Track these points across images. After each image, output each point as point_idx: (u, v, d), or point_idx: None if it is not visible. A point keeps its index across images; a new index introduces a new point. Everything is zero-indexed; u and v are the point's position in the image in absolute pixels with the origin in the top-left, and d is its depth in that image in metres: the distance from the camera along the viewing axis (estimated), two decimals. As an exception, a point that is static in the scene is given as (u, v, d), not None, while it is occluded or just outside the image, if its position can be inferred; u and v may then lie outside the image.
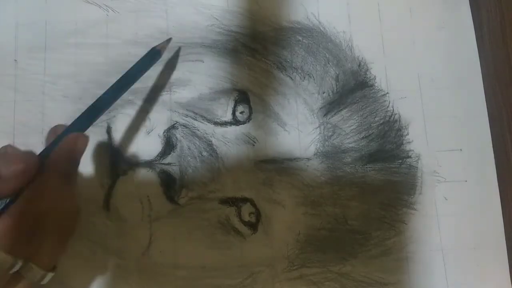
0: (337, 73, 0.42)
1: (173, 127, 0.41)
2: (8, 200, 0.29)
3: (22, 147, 0.32)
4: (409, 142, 0.41)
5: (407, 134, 0.42)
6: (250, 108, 0.41)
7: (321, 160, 0.41)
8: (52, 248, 0.31)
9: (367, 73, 0.42)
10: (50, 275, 0.31)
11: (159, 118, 0.41)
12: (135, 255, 0.39)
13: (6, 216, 0.28)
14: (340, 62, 0.42)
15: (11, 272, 0.28)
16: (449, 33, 0.44)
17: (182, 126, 0.41)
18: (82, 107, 0.40)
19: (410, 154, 0.41)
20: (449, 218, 0.40)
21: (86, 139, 0.33)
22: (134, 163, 0.40)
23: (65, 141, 0.32)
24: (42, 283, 0.31)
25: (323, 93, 0.42)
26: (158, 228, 0.39)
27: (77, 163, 0.33)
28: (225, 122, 0.41)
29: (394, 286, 0.39)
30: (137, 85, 0.41)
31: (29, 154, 0.30)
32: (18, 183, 0.29)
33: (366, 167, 0.41)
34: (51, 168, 0.31)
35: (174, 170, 0.40)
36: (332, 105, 0.42)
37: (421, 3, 0.44)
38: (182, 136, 0.41)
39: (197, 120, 0.41)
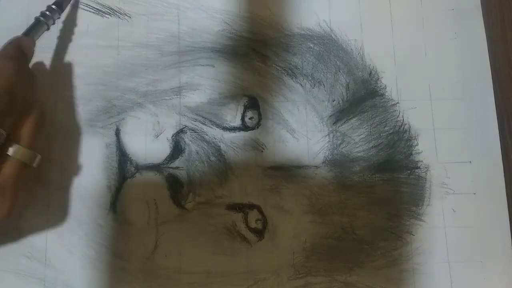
0: (348, 81, 0.42)
1: (181, 131, 0.41)
2: None
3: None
4: (418, 153, 0.41)
5: (417, 144, 0.41)
6: (260, 114, 0.41)
7: (330, 168, 0.40)
8: (27, 128, 0.34)
9: (378, 82, 0.42)
10: (38, 157, 0.34)
11: (168, 122, 0.41)
12: (140, 258, 0.39)
13: None
14: (351, 70, 0.42)
15: None
16: (461, 43, 0.43)
17: (190, 130, 0.41)
18: (92, 108, 0.41)
19: (419, 165, 0.41)
20: (457, 230, 0.40)
21: (29, 38, 0.38)
22: (142, 166, 0.40)
23: (11, 39, 0.37)
24: (31, 164, 0.34)
25: (333, 101, 0.42)
26: (164, 232, 0.39)
27: (23, 52, 0.36)
28: (234, 127, 0.41)
29: (399, 297, 0.39)
30: (147, 88, 0.41)
31: None
32: None
33: (375, 177, 0.40)
34: (1, 53, 0.35)
35: (181, 174, 0.40)
36: (342, 114, 0.41)
37: (434, 13, 0.44)
38: (190, 141, 0.41)
39: (206, 124, 0.41)
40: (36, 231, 0.39)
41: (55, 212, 0.39)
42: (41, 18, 0.39)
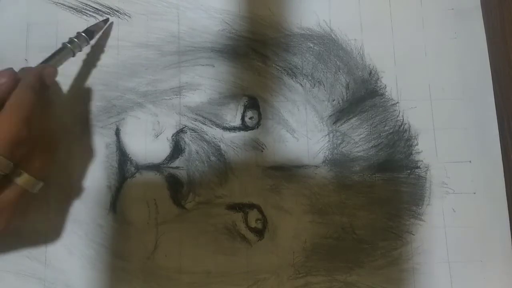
0: (348, 81, 0.42)
1: (181, 131, 0.41)
2: None
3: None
4: (418, 153, 0.41)
5: (417, 144, 0.41)
6: (259, 114, 0.41)
7: (330, 168, 0.40)
8: (38, 158, 0.34)
9: (378, 81, 0.42)
10: (40, 184, 0.34)
11: (168, 122, 0.41)
12: (140, 258, 0.39)
13: (2, 124, 0.31)
14: (351, 70, 0.42)
15: (2, 173, 0.31)
16: (461, 43, 0.43)
17: (190, 130, 0.41)
18: (92, 108, 0.41)
19: (419, 165, 0.41)
20: (457, 230, 0.40)
21: (52, 67, 0.37)
22: (142, 166, 0.40)
23: (34, 68, 0.36)
24: (32, 191, 0.34)
25: (333, 100, 0.42)
26: (164, 232, 0.39)
27: (46, 85, 0.36)
28: (234, 127, 0.41)
29: (399, 297, 0.39)
30: (147, 87, 0.41)
31: (9, 70, 0.34)
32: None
33: (375, 177, 0.40)
34: (23, 85, 0.34)
35: (181, 174, 0.40)
36: (342, 113, 0.41)
37: (434, 13, 0.44)
38: (190, 140, 0.41)
39: (206, 124, 0.41)
40: (36, 231, 0.39)
41: (55, 212, 0.39)
42: (68, 45, 0.38)
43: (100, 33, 0.42)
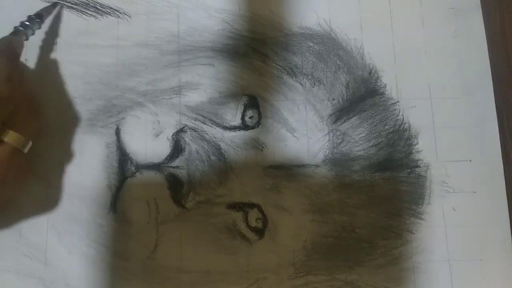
0: (348, 80, 0.42)
1: (182, 130, 0.41)
2: None
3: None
4: (418, 152, 0.41)
5: (417, 143, 0.41)
6: (259, 113, 0.41)
7: (330, 167, 0.40)
8: (22, 117, 0.36)
9: (378, 81, 0.42)
10: (29, 143, 0.36)
11: (168, 121, 0.41)
12: (140, 258, 0.39)
13: None
14: (351, 69, 0.42)
15: None
16: (461, 42, 0.43)
17: (191, 130, 0.41)
18: (92, 108, 0.41)
19: (419, 164, 0.41)
20: (457, 229, 0.40)
21: (20, 39, 0.39)
22: (142, 166, 0.40)
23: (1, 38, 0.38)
24: (22, 149, 0.35)
25: (333, 100, 0.42)
26: (164, 232, 0.39)
27: (15, 51, 0.37)
28: (234, 126, 0.41)
29: (400, 296, 0.39)
30: (147, 87, 0.41)
31: None
32: None
33: (375, 176, 0.41)
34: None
35: (182, 173, 0.40)
36: (342, 112, 0.42)
37: (434, 12, 0.44)
38: (190, 140, 0.41)
39: (206, 124, 0.41)
40: (36, 230, 0.39)
41: (55, 211, 0.39)
42: (20, 28, 0.39)
43: (52, 15, 0.42)
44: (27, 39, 0.40)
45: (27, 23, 0.39)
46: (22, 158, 0.36)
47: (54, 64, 0.42)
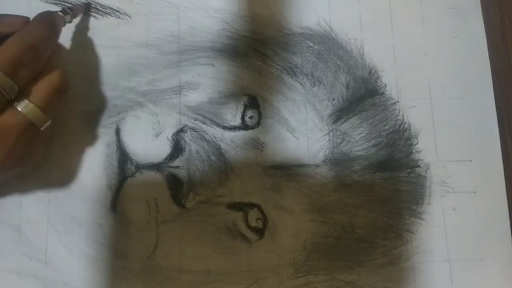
0: (348, 80, 0.42)
1: (182, 130, 0.41)
2: None
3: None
4: (418, 152, 0.41)
5: (417, 143, 0.41)
6: (260, 113, 0.41)
7: (330, 167, 0.40)
8: (44, 88, 0.33)
9: (378, 81, 0.42)
10: (47, 120, 0.34)
11: (168, 121, 0.41)
12: (140, 257, 0.39)
13: (9, 43, 0.32)
14: (351, 69, 0.42)
15: (6, 94, 0.31)
16: (461, 42, 0.43)
17: (191, 130, 0.41)
18: (91, 108, 0.41)
19: (419, 164, 0.41)
20: (457, 229, 0.40)
21: (62, 17, 0.38)
22: (142, 166, 0.40)
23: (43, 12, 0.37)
24: (38, 125, 0.33)
25: (333, 100, 0.42)
26: (164, 232, 0.39)
27: (55, 23, 0.36)
28: (234, 126, 0.41)
29: (400, 296, 0.39)
30: (147, 87, 0.41)
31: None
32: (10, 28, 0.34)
33: (375, 176, 0.41)
34: (34, 19, 0.35)
35: (182, 173, 0.40)
36: (342, 112, 0.42)
37: (434, 12, 0.44)
38: (190, 140, 0.41)
39: (206, 124, 0.41)
40: (36, 230, 0.39)
41: (55, 211, 0.39)
42: (67, 10, 0.39)
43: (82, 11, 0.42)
44: (64, 24, 0.39)
45: (60, 13, 0.38)
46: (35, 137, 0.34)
47: (66, 64, 0.40)
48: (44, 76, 0.34)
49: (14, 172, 0.35)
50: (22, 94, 0.32)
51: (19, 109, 0.32)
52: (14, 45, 0.32)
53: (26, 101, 0.32)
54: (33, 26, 0.34)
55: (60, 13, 0.38)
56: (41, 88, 0.33)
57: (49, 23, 0.35)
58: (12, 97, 0.32)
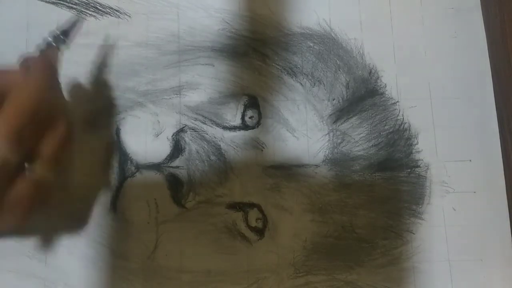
0: (348, 80, 0.42)
1: (182, 130, 0.41)
2: None
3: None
4: (418, 152, 0.41)
5: (417, 143, 0.41)
6: (260, 113, 0.41)
7: (330, 167, 0.40)
8: (49, 142, 0.32)
9: (378, 81, 0.42)
10: (53, 176, 0.32)
11: (168, 121, 0.41)
12: (140, 258, 0.39)
13: (9, 110, 0.30)
14: (351, 69, 0.42)
15: (15, 163, 0.29)
16: (461, 42, 0.43)
17: (191, 130, 0.41)
18: (92, 108, 0.41)
19: (419, 164, 0.41)
20: (457, 229, 0.40)
21: (54, 48, 0.36)
22: (142, 166, 0.40)
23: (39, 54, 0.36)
24: (49, 178, 0.32)
25: (333, 100, 0.42)
26: (164, 232, 0.39)
27: (53, 68, 0.35)
28: (234, 126, 0.41)
29: (400, 296, 0.39)
30: (146, 87, 0.41)
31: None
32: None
33: (375, 176, 0.41)
34: (31, 71, 0.33)
35: (182, 173, 0.40)
36: (342, 112, 0.42)
37: (434, 12, 0.44)
38: (190, 140, 0.41)
39: (206, 124, 0.41)
40: (37, 230, 0.39)
41: (55, 211, 0.39)
42: (49, 39, 0.36)
43: (77, 31, 0.38)
44: (61, 54, 0.37)
45: (49, 38, 0.36)
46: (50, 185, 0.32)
47: (66, 64, 0.39)
48: (48, 129, 0.32)
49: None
50: (28, 156, 0.31)
51: (29, 175, 0.31)
52: (15, 112, 0.30)
53: (35, 166, 0.31)
54: (34, 82, 0.32)
55: (53, 42, 0.36)
56: (47, 149, 0.32)
57: (49, 71, 0.34)
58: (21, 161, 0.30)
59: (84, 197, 0.40)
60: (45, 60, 0.35)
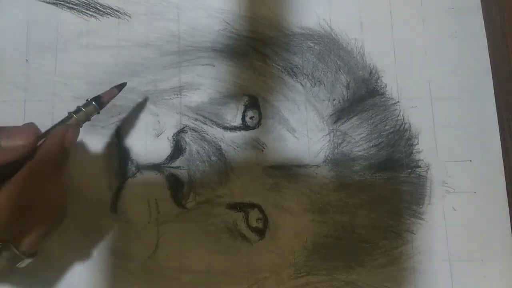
0: (348, 80, 0.42)
1: (182, 130, 0.41)
2: None
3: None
4: (418, 152, 0.41)
5: (417, 143, 0.41)
6: (260, 114, 0.41)
7: (330, 167, 0.40)
8: (35, 236, 0.31)
9: (378, 81, 0.42)
10: (28, 261, 0.31)
11: (168, 122, 0.41)
12: (141, 258, 0.39)
13: (6, 202, 0.29)
14: (351, 69, 0.42)
15: None
16: (461, 42, 0.43)
17: (191, 130, 0.41)
18: (92, 108, 0.41)
19: (419, 164, 0.41)
20: (457, 229, 0.40)
21: (76, 130, 0.34)
22: (143, 166, 0.40)
23: (55, 132, 0.33)
24: (19, 266, 0.31)
25: (334, 100, 0.42)
26: (165, 232, 0.39)
27: (67, 154, 0.33)
28: (235, 127, 0.41)
29: (400, 296, 0.39)
30: (147, 87, 0.41)
31: (30, 129, 0.32)
32: (14, 156, 0.31)
33: (375, 176, 0.41)
34: (41, 156, 0.32)
35: (182, 173, 0.40)
36: (342, 113, 0.42)
37: (434, 12, 0.44)
38: (191, 140, 0.41)
39: (206, 124, 0.41)
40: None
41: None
42: (74, 116, 0.34)
43: (112, 99, 0.37)
44: (80, 126, 0.35)
45: (83, 108, 0.35)
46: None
47: (66, 64, 0.41)
48: (35, 223, 0.31)
49: None
50: (8, 242, 0.30)
51: (4, 260, 0.30)
52: (10, 205, 0.29)
53: (12, 251, 0.30)
54: (39, 168, 0.31)
55: (73, 113, 0.34)
56: (31, 241, 0.30)
57: (58, 156, 0.32)
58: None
59: (85, 198, 0.40)
60: (57, 142, 0.32)
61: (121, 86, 0.38)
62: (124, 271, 0.39)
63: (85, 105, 0.35)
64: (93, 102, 0.35)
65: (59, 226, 0.33)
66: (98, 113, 0.36)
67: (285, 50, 0.43)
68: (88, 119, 0.35)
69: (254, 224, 0.40)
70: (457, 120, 0.42)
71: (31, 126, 0.32)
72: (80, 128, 0.35)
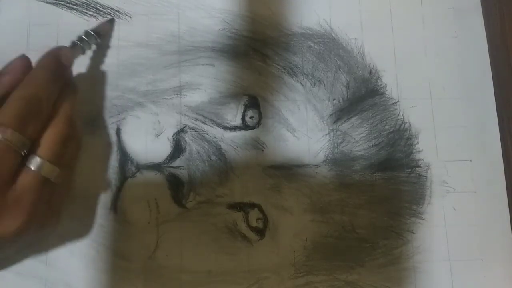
0: (348, 80, 0.42)
1: (182, 130, 0.41)
2: None
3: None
4: (418, 152, 0.41)
5: (417, 143, 0.41)
6: (260, 113, 0.41)
7: (330, 167, 0.40)
8: (54, 140, 0.33)
9: (378, 81, 0.42)
10: (56, 170, 0.32)
11: (168, 121, 0.41)
12: (141, 258, 0.39)
13: (12, 99, 0.31)
14: (351, 69, 0.42)
15: (18, 150, 0.30)
16: (461, 42, 0.43)
17: (191, 130, 0.41)
18: (92, 108, 0.41)
19: (419, 164, 0.41)
20: (457, 229, 0.40)
21: (73, 49, 0.38)
22: (143, 166, 0.40)
23: (48, 51, 0.36)
24: (51, 178, 0.32)
25: (334, 100, 0.42)
26: (165, 232, 0.39)
27: (65, 68, 0.36)
28: (235, 126, 0.41)
29: (400, 296, 0.39)
30: (147, 87, 0.41)
31: (22, 60, 0.35)
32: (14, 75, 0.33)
33: (375, 176, 0.41)
34: (37, 67, 0.34)
35: (182, 173, 0.40)
36: (342, 112, 0.42)
37: (434, 12, 0.44)
38: (191, 140, 0.41)
39: (206, 124, 0.41)
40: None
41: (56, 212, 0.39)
42: (78, 43, 0.38)
43: (107, 33, 0.42)
44: (83, 53, 0.39)
45: (84, 37, 0.39)
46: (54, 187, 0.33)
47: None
48: (51, 125, 0.33)
49: (37, 233, 0.34)
50: (32, 149, 0.31)
51: (32, 168, 0.31)
52: (19, 99, 0.31)
53: (37, 158, 0.31)
54: (35, 75, 0.33)
55: (78, 41, 0.38)
56: (49, 141, 0.32)
57: (54, 66, 0.34)
58: (26, 152, 0.31)
59: (85, 198, 0.40)
60: (54, 58, 0.35)
61: (111, 21, 0.43)
62: (124, 271, 0.39)
63: (86, 35, 0.39)
64: (92, 32, 0.39)
65: (75, 131, 0.35)
66: (97, 42, 0.40)
67: (285, 50, 0.43)
68: (89, 48, 0.40)
69: (254, 224, 0.40)
70: (457, 120, 0.42)
71: (22, 58, 0.35)
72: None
